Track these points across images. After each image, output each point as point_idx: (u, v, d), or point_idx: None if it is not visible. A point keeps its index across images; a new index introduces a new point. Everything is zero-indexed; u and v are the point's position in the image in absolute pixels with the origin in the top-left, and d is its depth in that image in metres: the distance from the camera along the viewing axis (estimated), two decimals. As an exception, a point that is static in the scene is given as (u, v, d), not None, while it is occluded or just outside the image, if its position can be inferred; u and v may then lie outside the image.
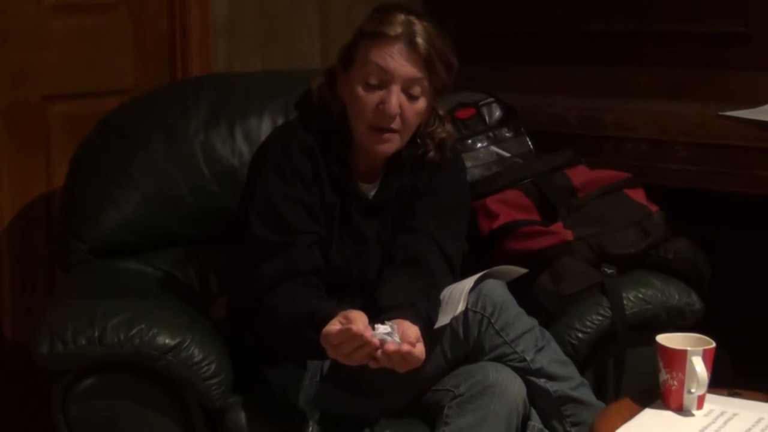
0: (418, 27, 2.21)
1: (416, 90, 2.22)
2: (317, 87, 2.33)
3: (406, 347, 1.94)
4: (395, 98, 2.20)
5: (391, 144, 2.26)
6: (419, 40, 2.19)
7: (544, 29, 3.50)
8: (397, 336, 1.96)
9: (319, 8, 3.46)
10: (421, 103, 2.24)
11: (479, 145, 2.87)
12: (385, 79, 2.20)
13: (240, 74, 2.96)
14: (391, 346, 1.94)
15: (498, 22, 3.62)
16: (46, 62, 2.84)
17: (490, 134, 2.89)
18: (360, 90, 2.23)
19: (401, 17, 2.21)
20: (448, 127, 2.39)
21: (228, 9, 3.23)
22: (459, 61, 2.29)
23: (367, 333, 1.93)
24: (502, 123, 2.91)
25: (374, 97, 2.21)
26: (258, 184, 2.27)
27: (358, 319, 1.97)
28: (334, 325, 1.97)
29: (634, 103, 3.13)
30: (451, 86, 2.32)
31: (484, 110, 2.92)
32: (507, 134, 2.90)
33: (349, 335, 1.94)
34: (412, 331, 2.00)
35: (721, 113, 2.87)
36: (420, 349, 1.97)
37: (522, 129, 2.93)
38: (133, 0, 3.03)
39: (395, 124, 2.23)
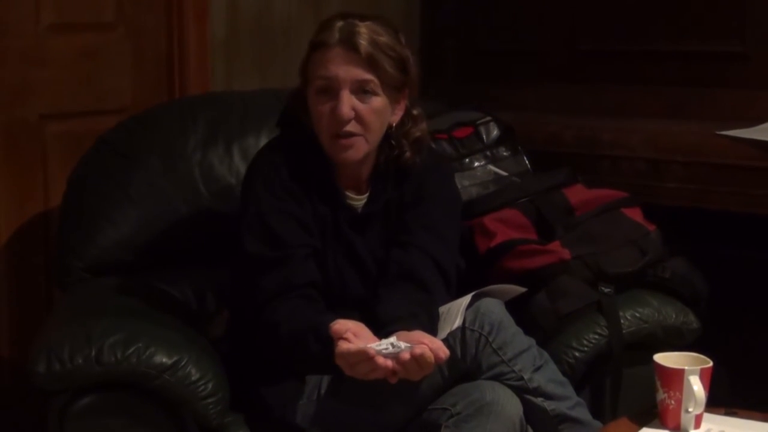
0: (359, 28, 2.22)
1: (367, 89, 2.23)
2: (291, 106, 2.35)
3: (418, 349, 1.96)
4: (345, 103, 2.21)
5: (355, 149, 2.26)
6: (358, 40, 2.20)
7: (542, 48, 3.50)
8: (402, 344, 1.98)
9: (316, 26, 3.45)
10: (377, 102, 2.24)
11: (476, 164, 2.87)
12: (333, 86, 2.22)
13: (238, 93, 2.96)
14: (405, 355, 1.96)
15: (495, 41, 3.62)
16: (44, 81, 2.85)
17: (488, 153, 2.89)
18: (314, 103, 2.25)
19: (339, 23, 2.23)
20: (423, 126, 2.38)
21: (226, 28, 3.23)
22: (411, 52, 2.30)
23: (380, 359, 1.96)
24: (499, 142, 2.91)
25: (327, 106, 2.23)
26: (249, 203, 2.29)
27: (366, 334, 2.01)
28: (347, 343, 1.99)
29: (631, 122, 3.13)
30: (415, 79, 2.31)
31: (482, 129, 2.92)
32: (504, 153, 2.91)
33: (364, 357, 1.96)
34: (416, 333, 2.02)
35: (718, 132, 2.88)
36: (426, 349, 1.98)
37: (519, 148, 2.93)
38: (131, 19, 3.04)
39: (352, 128, 2.23)
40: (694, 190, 2.90)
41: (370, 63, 2.21)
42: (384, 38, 2.23)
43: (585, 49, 3.41)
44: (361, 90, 2.22)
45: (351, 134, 2.24)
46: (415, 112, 2.36)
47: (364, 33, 2.22)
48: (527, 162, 2.92)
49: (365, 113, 2.23)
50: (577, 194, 2.75)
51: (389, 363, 1.96)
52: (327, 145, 2.27)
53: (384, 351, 1.97)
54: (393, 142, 2.34)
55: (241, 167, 2.66)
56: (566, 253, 2.57)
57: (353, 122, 2.23)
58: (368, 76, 2.22)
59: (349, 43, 2.21)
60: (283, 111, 2.39)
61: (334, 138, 2.25)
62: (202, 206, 2.63)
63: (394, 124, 2.32)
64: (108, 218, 2.55)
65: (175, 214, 2.61)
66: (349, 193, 2.34)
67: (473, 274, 2.55)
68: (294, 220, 2.26)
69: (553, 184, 2.77)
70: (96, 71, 2.96)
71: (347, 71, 2.21)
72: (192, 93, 3.10)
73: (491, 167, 2.88)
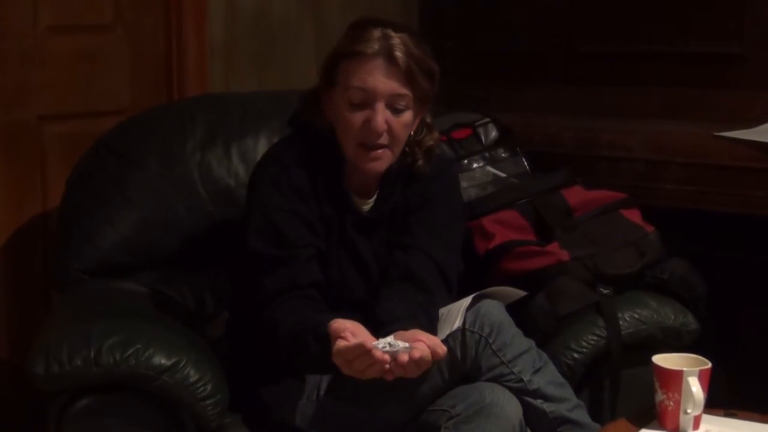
0: (395, 40, 2.20)
1: (401, 104, 2.22)
2: (304, 106, 2.34)
3: (417, 353, 1.95)
4: (381, 116, 2.20)
5: (383, 160, 2.26)
6: (397, 53, 2.19)
7: (541, 49, 3.50)
8: (400, 343, 1.97)
9: (315, 28, 3.46)
10: (407, 116, 2.25)
11: (475, 165, 2.87)
12: (369, 98, 2.21)
13: (236, 94, 2.96)
14: (404, 357, 1.95)
15: (494, 42, 3.62)
16: (42, 82, 2.84)
17: (486, 154, 2.89)
18: (345, 111, 2.23)
19: (377, 33, 2.21)
20: (436, 134, 2.39)
21: (224, 29, 3.23)
22: (439, 67, 2.28)
23: (377, 353, 1.95)
24: (498, 143, 2.91)
25: (360, 116, 2.22)
26: (256, 201, 2.29)
27: (364, 334, 2.00)
28: (344, 341, 1.98)
29: (630, 123, 3.13)
30: (437, 94, 2.31)
31: (480, 130, 2.93)
32: (503, 154, 2.91)
33: (362, 351, 1.95)
34: (413, 332, 2.02)
35: (716, 133, 2.88)
36: (425, 348, 1.97)
37: (518, 149, 2.93)
38: (129, 20, 3.04)
39: (383, 140, 2.23)
40: (692, 192, 2.90)
41: (408, 77, 2.21)
42: (416, 50, 2.22)
43: (584, 50, 3.41)
44: (395, 103, 2.22)
45: (380, 146, 2.24)
46: (428, 120, 2.37)
47: (401, 45, 2.20)
48: (526, 163, 2.92)
49: (396, 127, 2.23)
50: (576, 195, 2.75)
51: (387, 356, 1.96)
52: (352, 152, 2.26)
53: (382, 350, 1.97)
54: (407, 149, 2.34)
55: (240, 169, 2.66)
56: (565, 255, 2.57)
57: (384, 134, 2.23)
58: (404, 91, 2.22)
59: (389, 55, 2.19)
60: (296, 111, 2.38)
61: (361, 147, 2.24)
62: (201, 208, 2.63)
63: (411, 133, 2.32)
64: (106, 220, 2.55)
65: (174, 216, 2.60)
66: (356, 197, 2.34)
67: (472, 275, 2.55)
68: (300, 219, 2.25)
69: (551, 186, 2.77)
70: (94, 73, 2.96)
71: (386, 84, 2.20)
72: (190, 94, 3.09)
73: (490, 168, 2.88)
